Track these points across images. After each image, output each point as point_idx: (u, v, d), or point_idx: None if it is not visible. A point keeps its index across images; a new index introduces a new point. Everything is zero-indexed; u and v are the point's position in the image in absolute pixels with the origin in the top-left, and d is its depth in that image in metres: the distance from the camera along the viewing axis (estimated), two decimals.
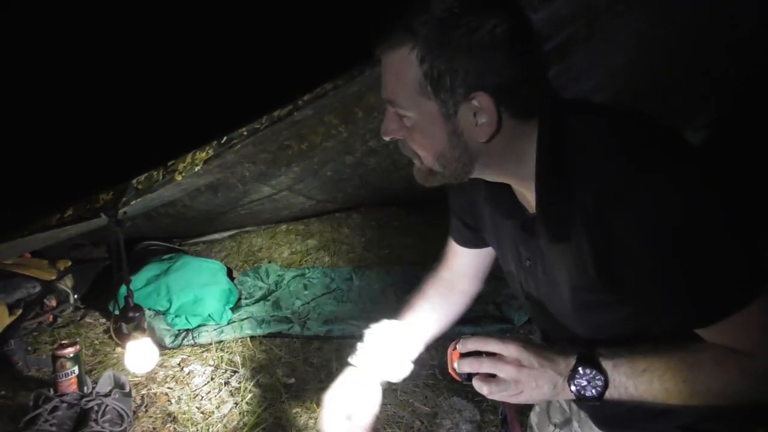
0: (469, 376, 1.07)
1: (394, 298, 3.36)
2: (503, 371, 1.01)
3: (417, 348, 1.51)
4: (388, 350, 1.45)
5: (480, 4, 0.93)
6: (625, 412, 1.12)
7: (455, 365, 1.09)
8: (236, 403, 2.46)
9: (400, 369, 1.47)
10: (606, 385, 0.96)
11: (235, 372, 2.69)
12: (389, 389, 2.60)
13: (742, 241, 0.90)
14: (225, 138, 1.80)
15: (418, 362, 2.76)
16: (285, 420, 2.38)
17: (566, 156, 0.97)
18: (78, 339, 2.84)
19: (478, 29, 0.90)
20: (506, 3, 0.95)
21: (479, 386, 1.05)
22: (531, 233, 1.10)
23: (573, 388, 0.98)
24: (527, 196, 1.09)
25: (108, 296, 2.96)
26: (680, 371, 0.95)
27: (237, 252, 3.93)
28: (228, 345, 2.89)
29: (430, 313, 1.54)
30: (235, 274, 3.55)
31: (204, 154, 1.85)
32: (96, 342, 2.91)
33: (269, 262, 3.73)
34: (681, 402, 0.96)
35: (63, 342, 2.31)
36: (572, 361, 0.99)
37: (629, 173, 0.89)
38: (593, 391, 0.96)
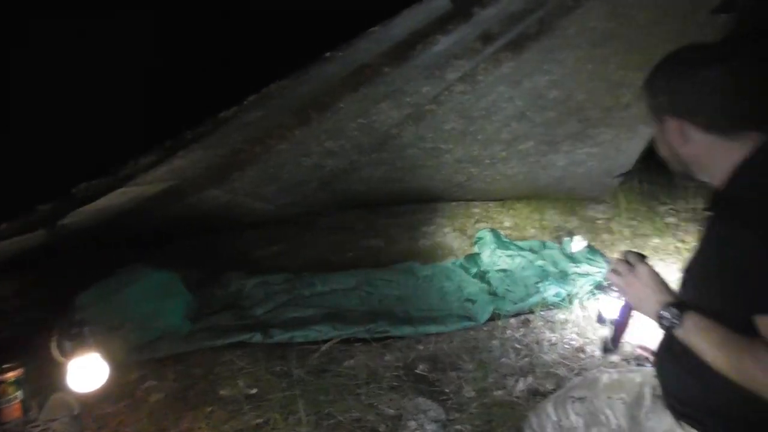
0: None
1: (358, 302, 3.32)
2: (624, 275, 1.42)
3: None
4: None
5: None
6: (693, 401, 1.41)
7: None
8: (195, 418, 2.39)
9: None
10: (680, 323, 1.29)
11: (194, 385, 2.61)
12: (353, 393, 2.56)
13: None
14: (169, 143, 1.73)
15: (383, 365, 2.79)
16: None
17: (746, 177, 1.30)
18: (21, 360, 2.70)
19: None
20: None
21: (608, 273, 1.48)
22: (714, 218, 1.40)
23: (658, 315, 1.33)
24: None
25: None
26: (729, 343, 1.22)
27: (195, 261, 3.83)
28: (187, 357, 2.80)
29: None
30: (193, 283, 3.45)
31: (148, 161, 1.78)
32: (43, 362, 2.79)
33: (231, 269, 3.64)
34: (718, 366, 1.22)
35: (4, 366, 2.14)
36: (670, 299, 1.34)
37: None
38: (667, 323, 1.31)
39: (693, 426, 1.43)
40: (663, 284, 1.39)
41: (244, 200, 3.22)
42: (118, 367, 2.61)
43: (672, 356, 1.47)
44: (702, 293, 1.39)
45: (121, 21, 3.42)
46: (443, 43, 2.26)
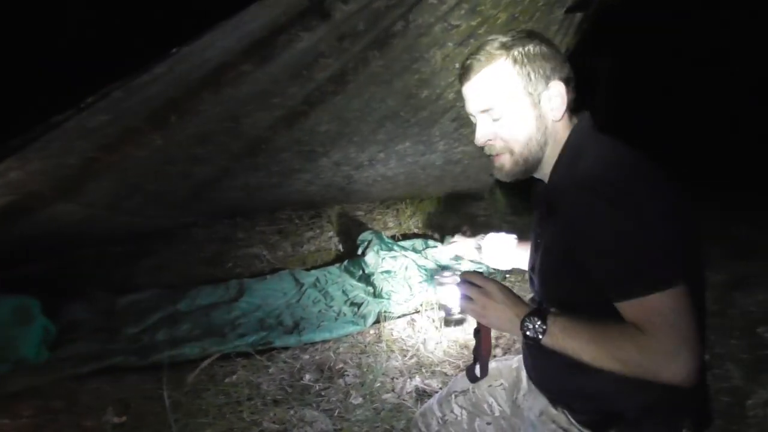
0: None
1: (239, 314, 3.18)
2: (476, 298, 1.37)
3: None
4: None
5: (532, 33, 1.37)
6: (561, 385, 1.45)
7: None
8: None
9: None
10: (544, 332, 1.27)
11: (54, 420, 2.37)
12: (235, 411, 2.44)
13: (672, 244, 1.19)
14: None
15: (267, 378, 2.68)
16: None
17: (577, 157, 1.31)
18: None
19: (538, 44, 1.33)
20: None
21: (460, 303, 1.42)
22: (541, 212, 1.44)
23: (522, 327, 1.29)
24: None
25: None
26: (593, 333, 1.23)
27: (56, 282, 3.51)
28: (46, 390, 2.54)
29: None
30: (53, 307, 3.15)
31: None
32: None
33: (96, 289, 3.36)
34: (589, 359, 1.23)
35: None
36: (528, 309, 1.31)
37: (599, 177, 1.22)
38: (533, 334, 1.28)
39: (564, 408, 1.47)
40: (515, 297, 1.37)
41: (104, 214, 2.98)
42: None
43: (532, 350, 1.49)
44: (553, 289, 1.41)
45: None
46: (307, 40, 2.19)
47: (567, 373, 1.36)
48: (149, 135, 2.23)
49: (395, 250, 3.69)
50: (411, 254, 3.67)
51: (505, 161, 1.38)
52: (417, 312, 3.16)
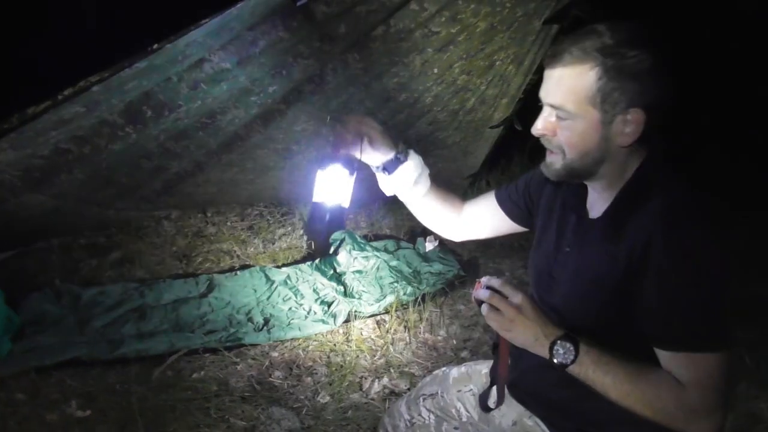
0: (481, 303, 1.31)
1: (208, 310, 3.17)
2: (506, 310, 1.28)
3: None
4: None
5: (642, 39, 1.22)
6: (548, 401, 1.42)
7: (475, 293, 1.33)
8: None
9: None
10: (574, 361, 1.22)
11: (15, 412, 2.33)
12: (202, 408, 2.43)
13: (731, 305, 1.18)
14: None
15: (235, 375, 2.67)
16: None
17: (648, 190, 1.26)
18: None
19: (642, 59, 1.19)
20: (658, 39, 1.23)
21: (485, 311, 1.30)
22: (585, 229, 1.37)
23: (551, 351, 1.24)
24: (597, 203, 1.38)
25: None
26: (630, 375, 1.20)
27: (22, 273, 3.44)
28: (8, 382, 2.50)
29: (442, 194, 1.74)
30: (17, 297, 3.09)
31: None
32: None
33: (62, 281, 3.31)
34: (616, 397, 1.21)
35: None
36: (559, 332, 1.25)
37: (685, 224, 1.18)
38: (564, 359, 1.23)
39: (542, 421, 1.47)
40: (544, 314, 1.30)
41: (74, 206, 2.93)
42: None
43: (522, 361, 1.44)
44: (579, 309, 1.35)
45: None
46: (288, 40, 2.20)
47: (559, 390, 1.36)
48: (124, 128, 2.21)
49: (367, 250, 3.71)
50: (383, 255, 3.69)
51: (555, 161, 1.32)
52: (387, 312, 3.19)
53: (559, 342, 1.24)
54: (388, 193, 1.66)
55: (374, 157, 1.55)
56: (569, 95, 1.24)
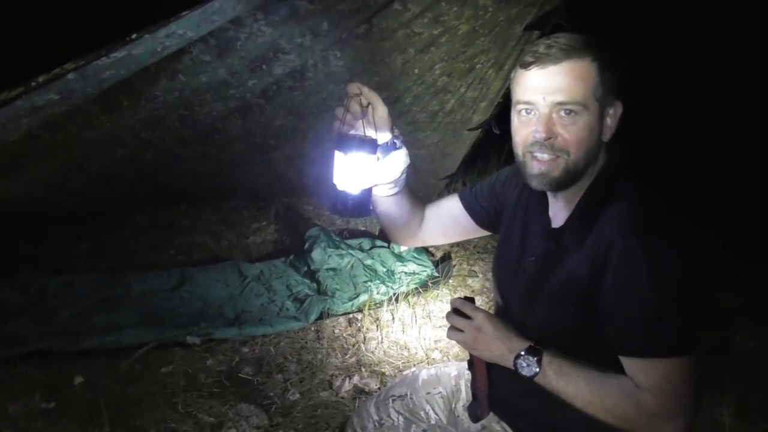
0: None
1: (179, 303, 3.13)
2: (467, 330, 1.35)
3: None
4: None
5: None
6: (519, 407, 1.45)
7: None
8: None
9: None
10: (538, 373, 1.26)
11: None
12: (169, 402, 2.41)
13: (693, 312, 1.21)
14: None
15: (204, 370, 2.65)
16: None
17: (609, 196, 1.28)
18: None
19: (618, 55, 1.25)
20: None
21: (449, 333, 1.39)
22: (549, 238, 1.38)
23: (515, 365, 1.29)
24: (560, 212, 1.38)
25: None
26: (590, 384, 1.23)
27: None
28: None
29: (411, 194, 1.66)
30: None
31: None
32: None
33: (30, 268, 3.24)
34: (581, 405, 1.23)
35: None
36: (523, 345, 1.30)
37: (644, 233, 1.19)
38: (528, 372, 1.27)
39: (512, 428, 1.49)
40: (507, 329, 1.34)
41: (44, 193, 2.87)
42: None
43: (494, 370, 1.45)
44: (543, 317, 1.37)
45: None
46: (269, 35, 2.18)
47: (528, 399, 1.38)
48: (99, 117, 2.17)
49: (342, 248, 3.71)
50: (357, 253, 3.69)
51: (554, 167, 1.27)
52: (360, 311, 3.19)
53: (522, 356, 1.28)
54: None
55: (374, 132, 1.42)
56: (579, 89, 1.23)
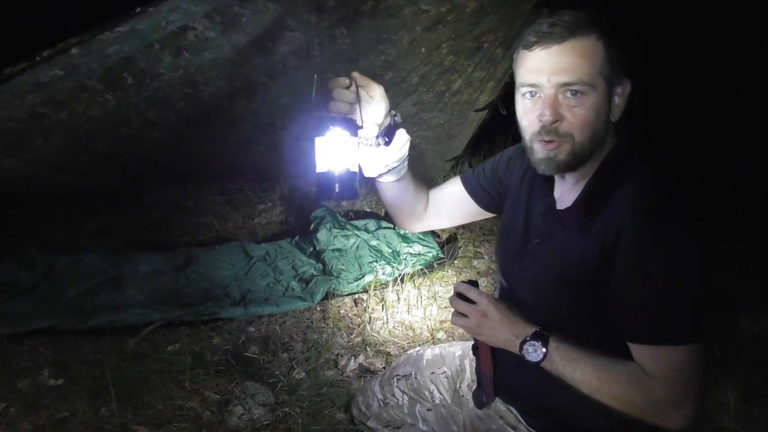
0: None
1: (185, 283, 3.14)
2: (471, 315, 1.33)
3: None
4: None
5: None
6: (525, 392, 1.42)
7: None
8: None
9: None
10: (544, 358, 1.24)
11: None
12: (176, 380, 2.42)
13: (701, 299, 1.18)
14: None
15: (210, 349, 2.66)
16: (49, 427, 2.09)
17: (617, 179, 1.24)
18: None
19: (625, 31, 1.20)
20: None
21: (452, 318, 1.37)
22: (553, 220, 1.35)
23: (521, 350, 1.27)
24: (566, 193, 1.35)
25: None
26: (598, 370, 1.21)
27: None
28: None
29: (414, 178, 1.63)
30: None
31: None
32: None
33: (37, 248, 3.25)
34: (588, 391, 1.22)
35: None
36: (529, 330, 1.28)
37: (653, 218, 1.17)
38: (534, 358, 1.25)
39: (516, 410, 1.49)
40: (512, 314, 1.32)
41: (49, 172, 2.87)
42: None
43: (500, 355, 1.43)
44: (549, 302, 1.35)
45: None
46: (275, 11, 2.16)
47: (534, 385, 1.37)
48: (103, 94, 2.16)
49: (348, 229, 3.70)
50: (363, 234, 3.68)
51: (561, 150, 1.24)
52: (365, 291, 3.19)
53: (528, 341, 1.27)
54: (375, 170, 1.48)
55: (373, 116, 1.39)
56: (585, 67, 1.19)
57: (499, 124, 4.07)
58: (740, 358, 2.67)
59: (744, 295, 3.20)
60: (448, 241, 3.82)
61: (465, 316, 1.35)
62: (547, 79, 1.20)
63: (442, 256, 3.57)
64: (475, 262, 3.64)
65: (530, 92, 1.25)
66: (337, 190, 1.26)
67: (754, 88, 5.11)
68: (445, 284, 3.34)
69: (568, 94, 1.20)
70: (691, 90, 5.23)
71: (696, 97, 5.23)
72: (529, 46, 1.23)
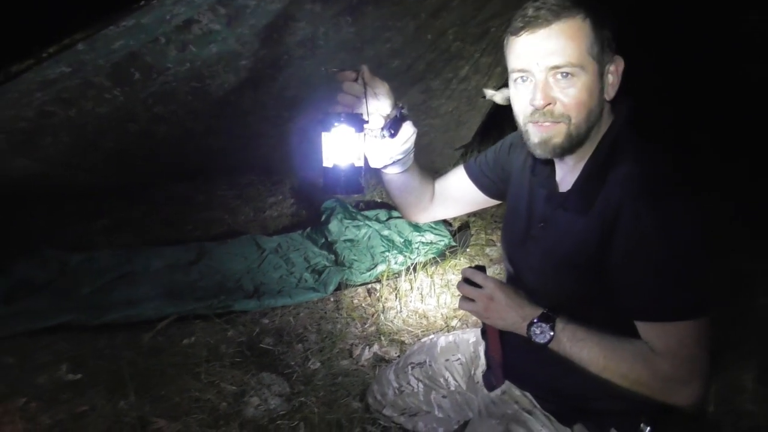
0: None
1: (198, 277, 3.16)
2: (478, 299, 1.34)
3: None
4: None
5: None
6: (536, 377, 1.43)
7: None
8: (6, 412, 2.13)
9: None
10: (551, 339, 1.25)
11: (5, 375, 2.33)
12: (192, 372, 2.43)
13: (705, 273, 1.17)
14: None
15: (225, 341, 2.68)
16: (69, 421, 2.11)
17: (617, 157, 1.24)
18: None
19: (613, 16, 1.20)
20: None
21: (460, 303, 1.38)
22: (555, 203, 1.35)
23: (528, 332, 1.28)
24: (567, 176, 1.35)
25: None
26: (605, 349, 1.22)
27: (8, 237, 3.40)
28: None
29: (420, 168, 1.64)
30: (5, 260, 3.07)
31: None
32: None
33: (50, 246, 3.28)
34: (596, 371, 1.22)
35: None
36: (536, 312, 1.29)
37: (652, 194, 1.16)
38: (542, 339, 1.26)
39: (531, 395, 1.49)
40: (519, 296, 1.33)
41: (60, 170, 2.89)
42: None
43: (509, 341, 1.44)
44: (555, 283, 1.35)
45: None
46: (279, 2, 2.15)
47: (544, 367, 1.37)
48: (111, 91, 2.17)
49: (358, 219, 3.70)
50: (374, 224, 3.68)
51: (556, 132, 1.24)
52: (378, 281, 3.19)
53: (535, 323, 1.27)
54: (381, 161, 1.50)
55: (379, 109, 1.41)
56: (573, 49, 1.19)
57: (508, 110, 4.05)
58: (757, 338, 2.65)
59: (760, 274, 3.17)
60: (460, 229, 3.81)
61: (472, 300, 1.36)
62: (536, 63, 1.21)
63: (454, 244, 3.56)
64: (487, 250, 3.62)
65: (521, 77, 1.26)
66: (343, 183, 1.29)
67: (759, 66, 5.05)
68: (457, 272, 3.33)
69: (559, 76, 1.20)
70: (695, 68, 5.17)
71: (701, 76, 5.17)
72: (516, 32, 1.23)
